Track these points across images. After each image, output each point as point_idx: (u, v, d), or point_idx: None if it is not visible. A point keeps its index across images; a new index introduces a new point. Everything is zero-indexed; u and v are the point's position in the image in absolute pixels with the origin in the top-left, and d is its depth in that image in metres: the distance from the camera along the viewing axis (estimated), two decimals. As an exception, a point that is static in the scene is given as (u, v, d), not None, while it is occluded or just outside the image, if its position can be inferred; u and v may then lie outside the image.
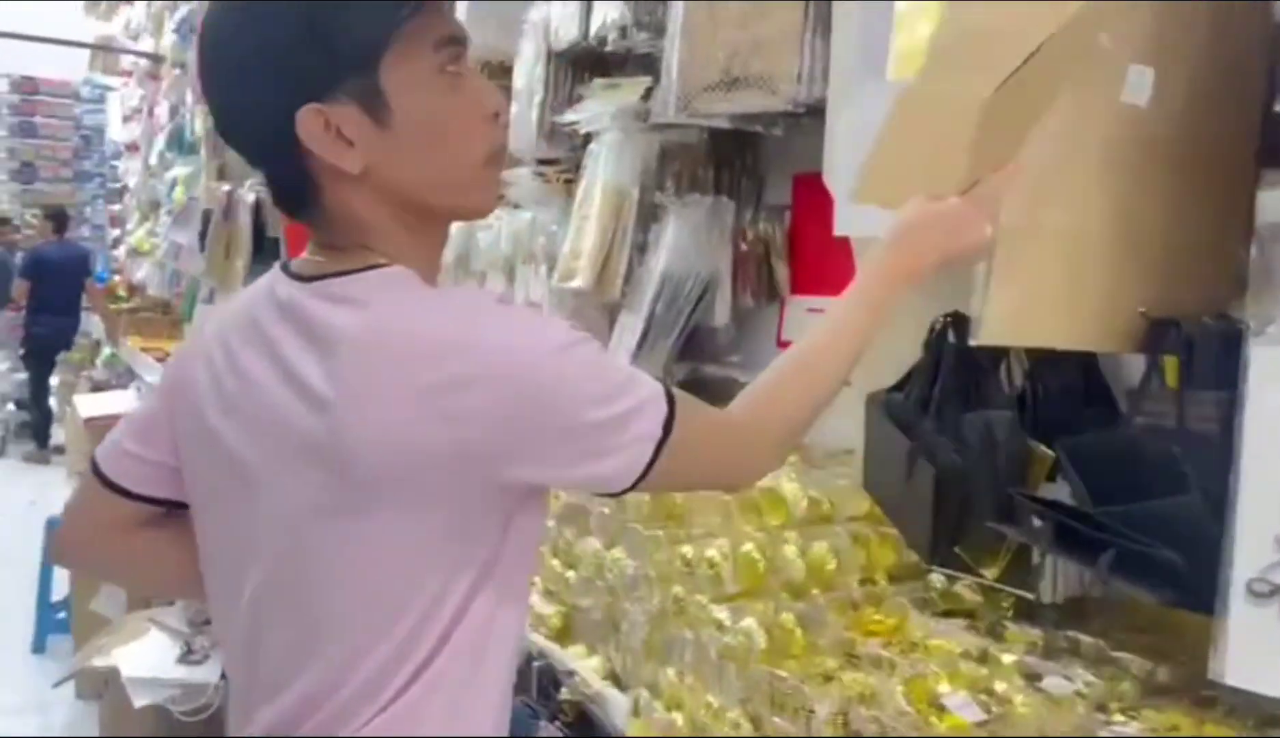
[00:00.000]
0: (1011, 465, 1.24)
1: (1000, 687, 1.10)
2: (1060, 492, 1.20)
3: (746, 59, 1.68)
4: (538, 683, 1.50)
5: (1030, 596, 1.28)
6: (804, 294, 2.00)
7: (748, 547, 1.34)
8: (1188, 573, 1.01)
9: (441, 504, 0.85)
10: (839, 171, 1.45)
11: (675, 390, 0.90)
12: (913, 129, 1.12)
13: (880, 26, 1.41)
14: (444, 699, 0.88)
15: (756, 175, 2.08)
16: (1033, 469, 1.23)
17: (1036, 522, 1.16)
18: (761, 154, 2.07)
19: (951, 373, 1.31)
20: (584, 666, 1.50)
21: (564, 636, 1.60)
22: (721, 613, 1.27)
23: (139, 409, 1.08)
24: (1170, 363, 1.10)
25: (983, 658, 1.18)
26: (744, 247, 2.01)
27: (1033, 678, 1.13)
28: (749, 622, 1.22)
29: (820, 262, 1.94)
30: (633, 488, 0.89)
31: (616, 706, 1.39)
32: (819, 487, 1.52)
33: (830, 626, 1.26)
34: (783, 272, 2.00)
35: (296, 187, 0.92)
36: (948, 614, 1.33)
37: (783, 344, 2.03)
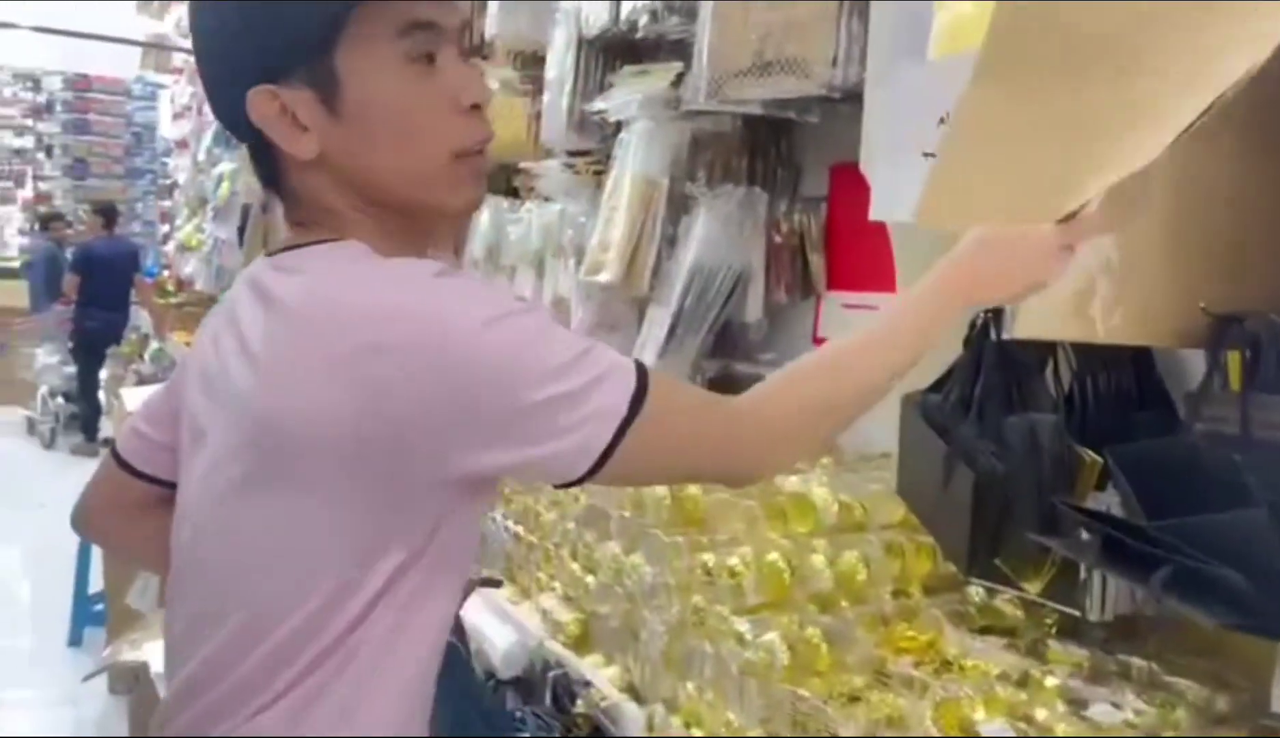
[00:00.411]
0: (1057, 473, 1.15)
1: (1041, 714, 1.02)
2: (1110, 502, 1.12)
3: (779, 41, 1.61)
4: (552, 693, 1.44)
5: (1076, 612, 1.19)
6: (841, 289, 1.92)
7: (772, 555, 1.27)
8: (1250, 594, 0.92)
9: (363, 488, 0.81)
10: (876, 157, 1.37)
11: (651, 369, 0.83)
12: (977, 145, 1.02)
13: (920, 5, 1.33)
14: (345, 690, 0.84)
15: (792, 165, 2.00)
16: (1080, 477, 1.15)
17: (1084, 534, 1.07)
18: (797, 143, 1.99)
19: (993, 372, 1.23)
20: (601, 675, 1.43)
21: (582, 643, 1.53)
22: (743, 626, 1.19)
23: (156, 393, 1.10)
24: (1234, 363, 1.01)
25: (1023, 681, 1.09)
26: (778, 239, 1.94)
27: (1077, 704, 1.05)
28: (771, 636, 1.15)
29: (858, 255, 1.87)
30: (592, 475, 0.81)
31: (631, 721, 1.32)
32: (851, 492, 1.44)
33: (859, 641, 1.19)
34: (819, 265, 1.93)
35: (268, 165, 0.92)
36: (986, 630, 1.25)
37: (818, 341, 1.96)
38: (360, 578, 0.82)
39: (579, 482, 0.82)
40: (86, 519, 1.13)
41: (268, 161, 0.91)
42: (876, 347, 0.95)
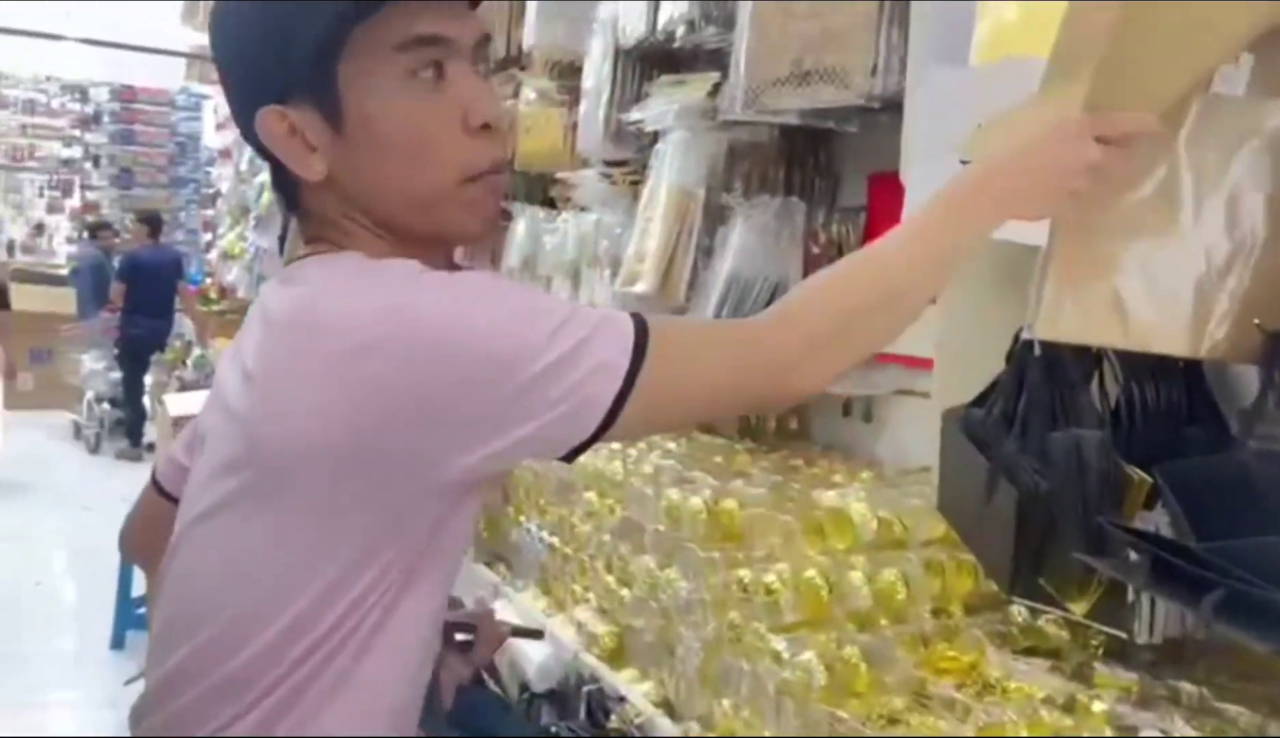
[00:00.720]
0: (1103, 491, 1.12)
1: (1088, 740, 0.99)
2: (1159, 522, 1.08)
3: (818, 51, 1.60)
4: (587, 708, 1.43)
5: (1123, 635, 1.16)
6: (879, 300, 1.89)
7: (810, 572, 1.25)
8: (1306, 619, 0.89)
9: (358, 495, 0.80)
10: (915, 164, 1.35)
11: (654, 317, 0.82)
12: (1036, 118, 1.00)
13: (961, 14, 1.31)
14: (324, 690, 0.83)
15: (830, 175, 1.98)
16: (1128, 496, 1.11)
17: (1132, 555, 1.04)
18: (835, 152, 1.97)
19: (1037, 387, 1.20)
20: (636, 691, 1.42)
21: (617, 657, 1.52)
22: (780, 644, 1.18)
23: (193, 420, 1.10)
24: (1289, 380, 0.98)
25: (1069, 706, 1.06)
26: (816, 249, 1.92)
27: (1125, 730, 1.02)
28: (808, 655, 1.13)
29: (897, 266, 1.84)
30: (605, 431, 0.79)
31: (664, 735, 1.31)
32: (890, 507, 1.42)
33: (898, 662, 1.16)
34: (857, 276, 1.90)
35: (285, 184, 0.91)
36: (1029, 651, 1.21)
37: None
38: (348, 585, 0.82)
39: (591, 442, 0.80)
40: (130, 543, 1.16)
41: (285, 181, 0.90)
42: (904, 245, 0.91)
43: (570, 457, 0.82)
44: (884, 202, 1.85)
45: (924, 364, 1.50)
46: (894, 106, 1.50)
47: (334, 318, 0.79)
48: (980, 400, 1.27)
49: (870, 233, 1.90)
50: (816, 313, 0.87)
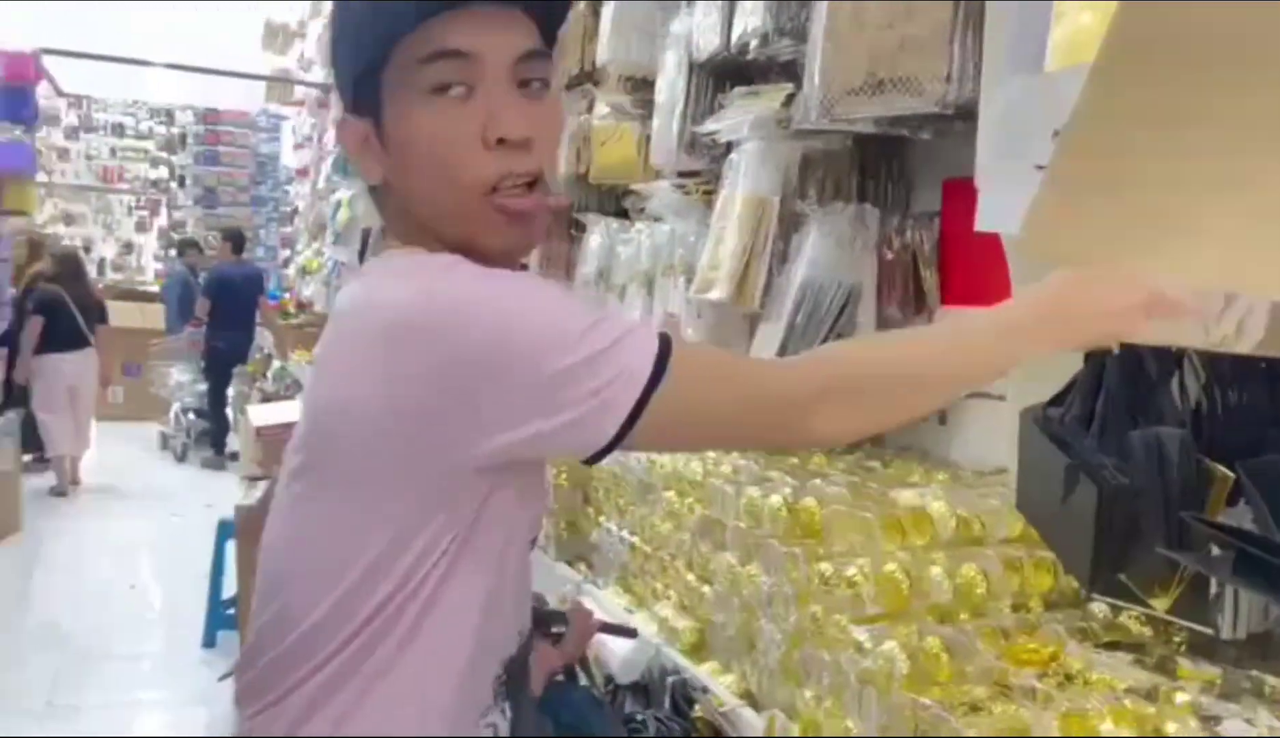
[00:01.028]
0: (1185, 487, 1.13)
1: (1172, 728, 1.00)
2: (1241, 518, 1.09)
3: (893, 60, 1.63)
4: (671, 699, 1.47)
5: (1208, 630, 1.16)
6: (954, 305, 1.90)
7: (890, 566, 1.28)
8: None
9: (395, 474, 0.85)
10: (989, 170, 1.37)
11: (681, 337, 0.86)
12: (1080, 175, 1.01)
13: (1037, 19, 1.33)
14: (377, 664, 0.88)
15: (904, 181, 2.01)
16: (1211, 492, 1.12)
17: (1214, 550, 1.06)
18: (909, 159, 2.00)
19: (1117, 386, 1.22)
20: (718, 683, 1.46)
21: (698, 651, 1.56)
22: (861, 634, 1.21)
23: None
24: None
25: (1151, 696, 1.08)
26: (890, 255, 1.94)
27: (1210, 721, 1.03)
28: (890, 645, 1.16)
29: (972, 270, 1.85)
30: (621, 439, 0.81)
31: (749, 726, 1.34)
32: (968, 507, 1.44)
33: (979, 653, 1.18)
34: (932, 281, 1.92)
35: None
36: (1110, 646, 1.23)
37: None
38: (397, 556, 0.86)
39: (608, 450, 0.82)
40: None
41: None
42: (954, 343, 0.94)
43: (593, 460, 0.85)
44: (959, 207, 1.87)
45: (1001, 366, 1.52)
46: (968, 113, 1.52)
47: (376, 306, 0.85)
48: (1057, 400, 1.29)
49: (945, 238, 1.92)
50: (843, 367, 0.89)
